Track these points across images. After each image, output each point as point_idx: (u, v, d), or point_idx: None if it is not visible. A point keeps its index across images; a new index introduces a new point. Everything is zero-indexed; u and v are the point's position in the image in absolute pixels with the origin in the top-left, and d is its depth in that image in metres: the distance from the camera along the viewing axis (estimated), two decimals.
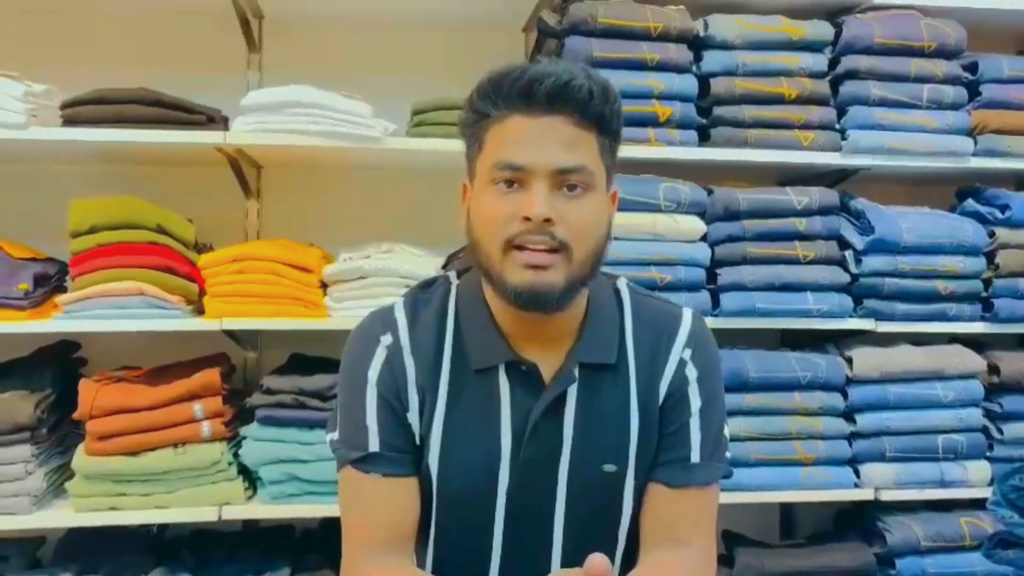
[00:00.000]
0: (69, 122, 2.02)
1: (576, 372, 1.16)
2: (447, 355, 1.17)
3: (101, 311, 1.99)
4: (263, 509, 2.07)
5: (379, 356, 1.17)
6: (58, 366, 2.18)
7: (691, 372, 1.20)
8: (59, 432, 2.11)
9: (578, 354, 1.16)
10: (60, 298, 2.01)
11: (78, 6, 2.37)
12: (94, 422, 1.96)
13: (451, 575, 1.17)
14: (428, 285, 1.26)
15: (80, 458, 1.97)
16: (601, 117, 1.09)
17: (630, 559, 1.22)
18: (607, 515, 1.20)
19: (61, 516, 2.01)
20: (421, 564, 1.24)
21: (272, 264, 2.06)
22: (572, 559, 1.06)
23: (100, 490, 1.97)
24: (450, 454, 1.16)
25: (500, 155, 1.07)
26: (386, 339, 1.17)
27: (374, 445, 1.15)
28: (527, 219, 1.05)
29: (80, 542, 2.14)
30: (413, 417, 1.17)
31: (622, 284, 1.26)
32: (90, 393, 1.96)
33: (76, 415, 1.97)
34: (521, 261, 1.06)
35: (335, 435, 1.20)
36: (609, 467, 1.17)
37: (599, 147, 1.10)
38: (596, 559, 0.97)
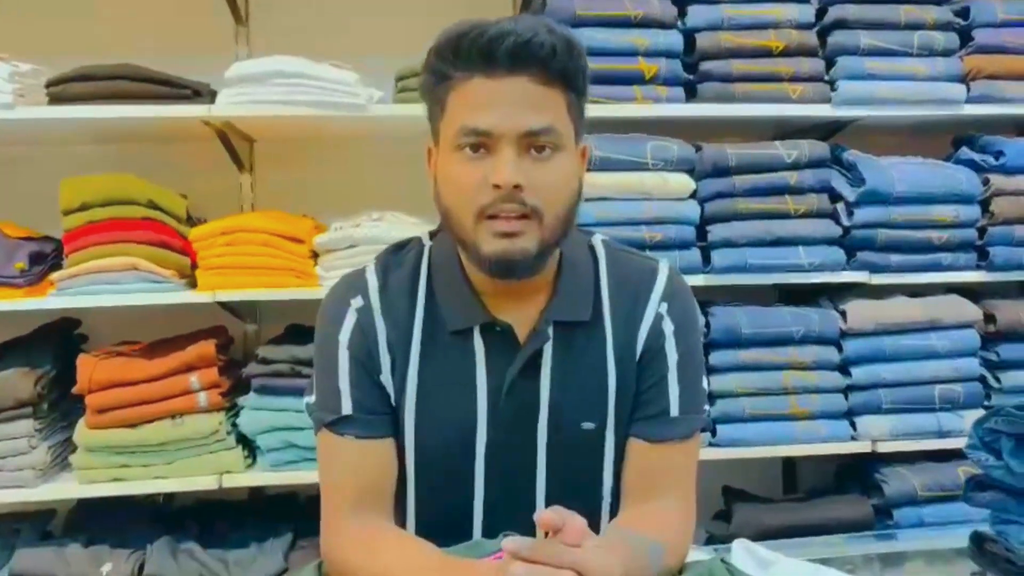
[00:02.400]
0: (55, 100, 2.03)
1: (550, 331, 1.16)
2: (419, 317, 1.17)
3: (95, 287, 2.02)
4: (263, 477, 2.11)
5: (350, 319, 1.17)
6: (59, 343, 2.22)
7: (667, 326, 1.19)
8: (62, 407, 2.16)
9: (552, 312, 1.15)
10: (54, 275, 2.04)
11: None
12: (93, 396, 1.99)
13: (434, 535, 1.16)
14: (401, 247, 1.25)
15: (81, 431, 2.01)
16: (566, 73, 1.06)
17: (616, 515, 1.22)
18: (589, 472, 1.20)
19: (66, 488, 2.06)
20: (403, 525, 1.24)
21: (262, 235, 2.08)
22: None
23: (102, 462, 2.02)
24: (425, 415, 1.17)
25: (464, 120, 1.05)
26: (356, 302, 1.17)
27: (347, 408, 1.16)
28: (497, 187, 1.03)
29: (89, 514, 2.19)
30: (386, 378, 1.17)
31: (597, 240, 1.25)
32: (88, 368, 2.00)
33: (75, 389, 2.01)
34: (493, 230, 1.05)
35: (312, 399, 1.21)
36: (588, 425, 1.17)
37: (566, 104, 1.07)
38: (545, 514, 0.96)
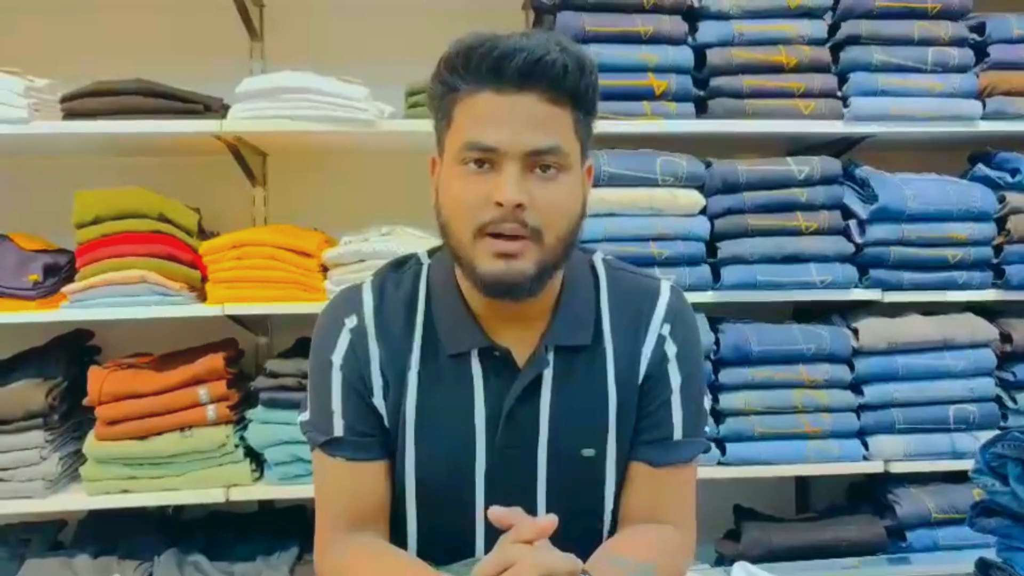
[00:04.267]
0: (70, 115, 2.06)
1: (550, 356, 1.14)
2: (417, 340, 1.15)
3: (106, 299, 2.04)
4: (270, 490, 2.11)
5: (343, 340, 1.15)
6: (71, 355, 2.23)
7: (670, 348, 1.17)
8: (74, 419, 2.17)
9: (551, 337, 1.13)
10: (67, 287, 2.06)
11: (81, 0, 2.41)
12: (103, 408, 2.01)
13: (436, 559, 1.15)
14: (400, 265, 1.23)
15: (90, 443, 2.02)
16: (575, 92, 1.04)
17: None
18: (589, 497, 1.18)
19: (76, 499, 2.07)
20: (404, 548, 1.21)
21: (271, 249, 2.09)
22: (557, 541, 1.02)
23: (111, 474, 2.03)
24: (425, 440, 1.15)
25: (470, 134, 1.03)
26: (351, 322, 1.15)
27: (339, 430, 1.15)
28: (499, 204, 1.01)
29: (99, 525, 2.20)
30: (378, 401, 1.15)
31: (598, 259, 1.23)
32: (98, 380, 2.01)
33: (86, 401, 2.03)
34: (492, 249, 1.03)
35: (306, 416, 1.20)
36: (588, 451, 1.15)
37: (573, 122, 1.06)
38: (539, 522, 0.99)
